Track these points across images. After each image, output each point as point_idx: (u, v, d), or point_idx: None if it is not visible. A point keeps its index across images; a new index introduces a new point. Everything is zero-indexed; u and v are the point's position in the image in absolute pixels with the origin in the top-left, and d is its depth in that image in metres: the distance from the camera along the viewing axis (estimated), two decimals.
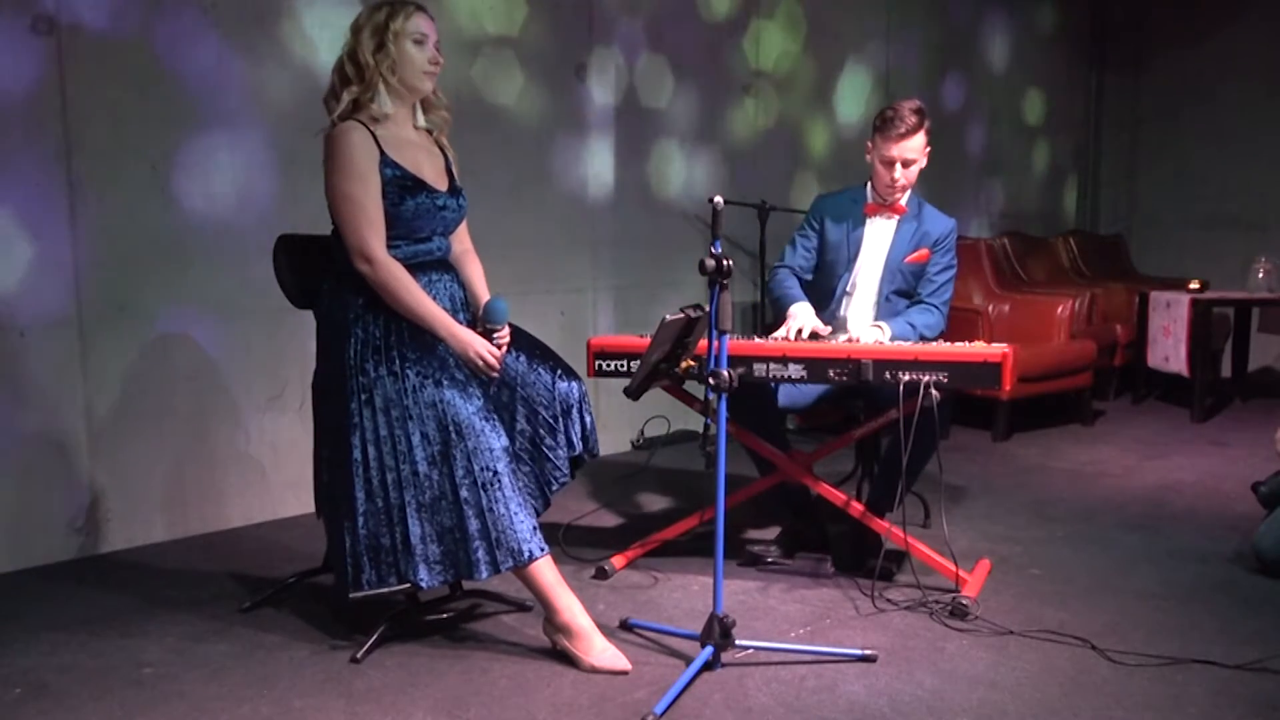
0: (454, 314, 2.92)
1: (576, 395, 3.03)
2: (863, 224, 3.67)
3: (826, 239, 3.71)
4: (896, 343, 3.36)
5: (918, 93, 6.74)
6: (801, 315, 3.53)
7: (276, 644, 2.97)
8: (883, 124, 3.54)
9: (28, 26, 3.50)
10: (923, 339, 3.49)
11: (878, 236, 3.66)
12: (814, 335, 3.46)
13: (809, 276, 3.76)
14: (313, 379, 3.06)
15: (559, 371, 3.03)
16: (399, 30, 2.82)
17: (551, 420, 3.00)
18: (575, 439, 3.03)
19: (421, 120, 2.99)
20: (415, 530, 2.78)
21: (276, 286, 3.17)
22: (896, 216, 3.64)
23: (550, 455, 3.02)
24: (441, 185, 2.96)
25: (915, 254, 3.63)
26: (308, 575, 3.32)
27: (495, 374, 2.89)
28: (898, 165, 3.54)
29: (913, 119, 3.50)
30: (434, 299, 2.88)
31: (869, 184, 3.68)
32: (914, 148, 3.52)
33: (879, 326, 3.48)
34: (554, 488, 3.06)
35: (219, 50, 3.91)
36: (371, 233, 2.80)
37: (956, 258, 3.70)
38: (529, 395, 3.00)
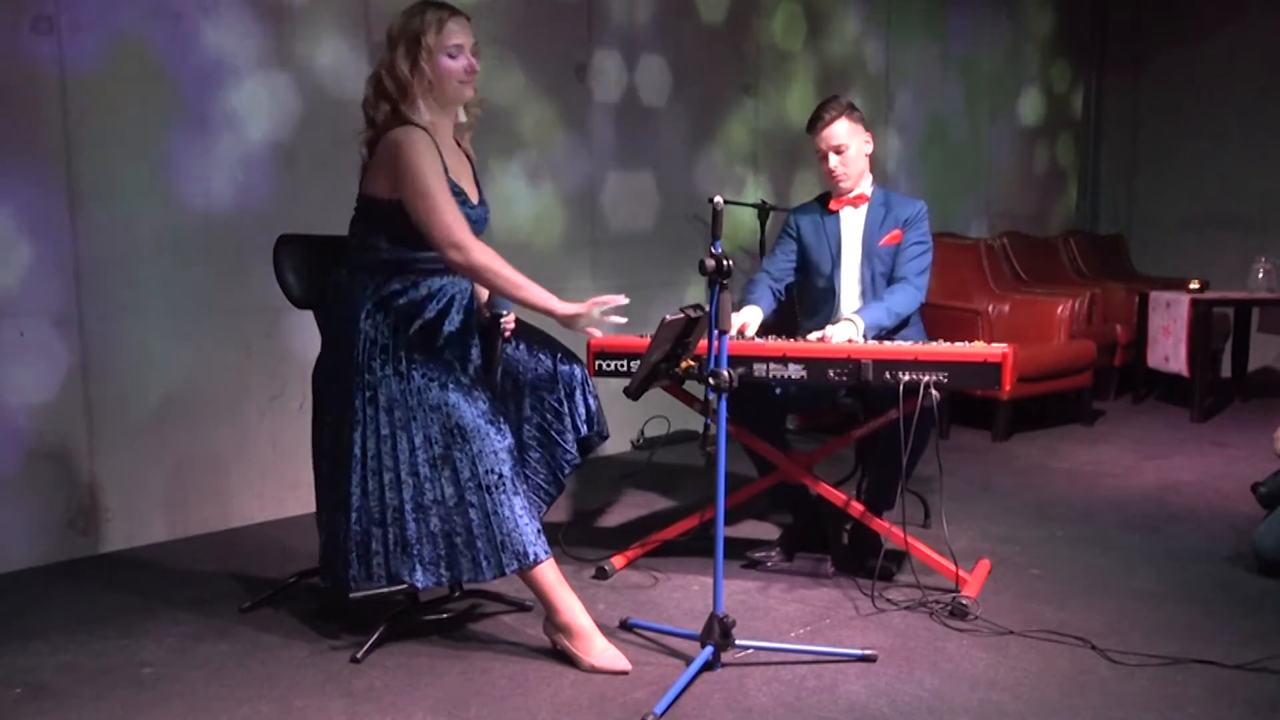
0: (467, 312, 2.94)
1: (579, 378, 3.05)
2: (836, 220, 3.74)
3: (804, 241, 3.77)
4: (896, 343, 3.36)
5: (918, 93, 6.76)
6: (743, 315, 3.58)
7: (276, 644, 2.97)
8: (808, 126, 3.68)
9: (28, 26, 3.51)
10: (899, 318, 3.54)
11: (851, 226, 3.73)
12: (740, 334, 3.49)
13: (789, 279, 3.81)
14: (315, 368, 3.04)
15: (559, 355, 3.05)
16: (432, 46, 2.80)
17: (557, 404, 3.02)
18: (580, 421, 3.05)
19: (463, 115, 2.98)
20: (412, 531, 2.79)
21: (276, 286, 3.17)
22: (864, 205, 3.72)
23: (560, 439, 3.04)
24: (474, 195, 2.97)
25: (888, 236, 3.69)
26: (308, 575, 3.31)
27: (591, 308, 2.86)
28: (830, 155, 3.64)
29: (831, 111, 3.63)
30: (453, 298, 2.90)
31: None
32: (838, 133, 3.62)
33: (851, 321, 3.48)
34: (566, 471, 3.08)
35: (219, 50, 3.91)
36: (457, 222, 2.78)
37: (930, 237, 3.75)
38: (534, 382, 3.02)
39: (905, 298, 3.60)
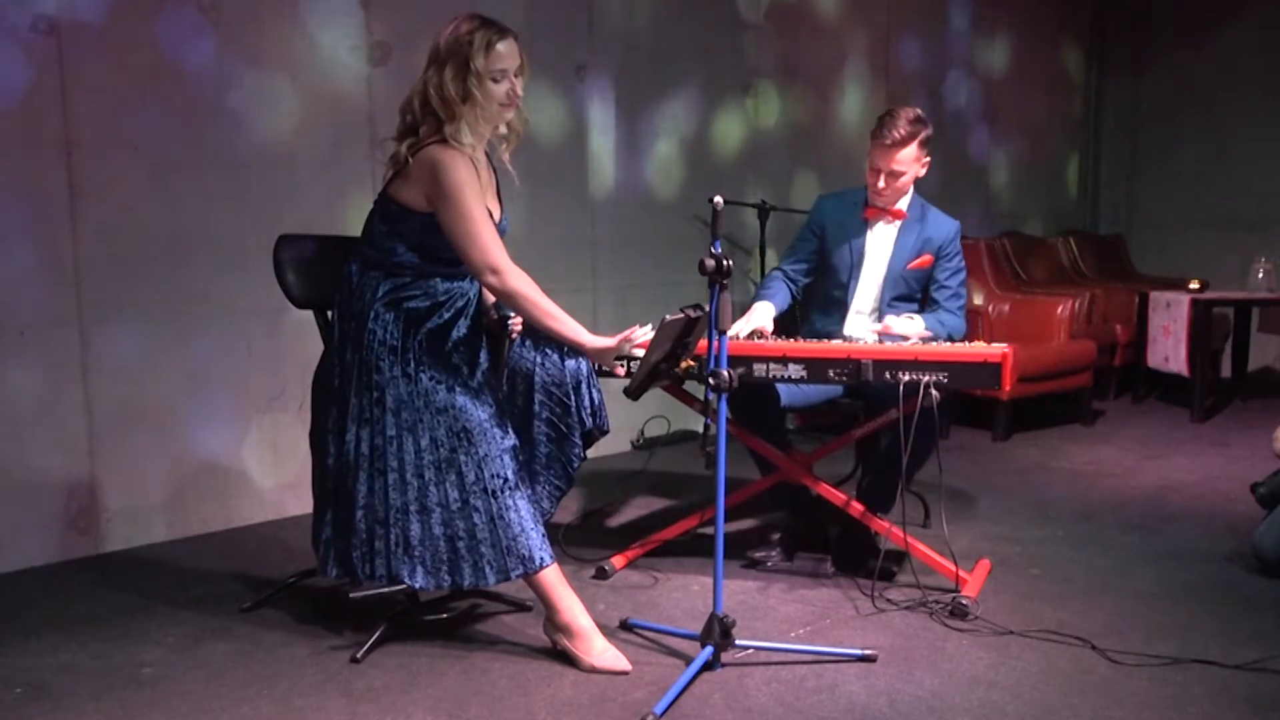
0: (476, 318, 2.96)
1: (585, 371, 3.06)
2: (864, 231, 3.63)
3: (828, 244, 3.69)
4: (896, 343, 3.36)
5: (918, 92, 6.76)
6: (755, 314, 3.53)
7: (276, 644, 2.97)
8: (876, 129, 3.49)
9: (28, 26, 3.51)
10: (949, 339, 3.47)
11: (880, 243, 3.63)
12: (757, 334, 3.44)
13: (805, 280, 3.76)
14: (318, 368, 3.04)
15: (565, 349, 3.06)
16: (481, 71, 2.77)
17: (565, 399, 3.04)
18: (586, 415, 3.06)
19: (504, 128, 2.96)
20: (415, 532, 2.80)
21: (276, 286, 3.17)
22: (898, 221, 3.61)
23: (569, 434, 3.05)
24: (498, 212, 2.97)
25: (918, 260, 3.60)
26: (308, 575, 3.31)
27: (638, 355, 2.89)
28: (882, 175, 3.49)
29: (904, 130, 3.44)
30: (462, 304, 2.90)
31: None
32: (902, 159, 3.46)
33: (911, 317, 3.46)
34: (575, 465, 3.09)
35: (219, 50, 3.91)
36: (495, 246, 2.80)
37: (963, 260, 3.68)
38: (544, 379, 3.03)
39: (955, 323, 3.54)
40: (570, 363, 3.04)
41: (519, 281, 2.80)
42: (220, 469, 4.06)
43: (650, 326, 2.81)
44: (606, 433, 3.13)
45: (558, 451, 3.06)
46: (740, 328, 3.48)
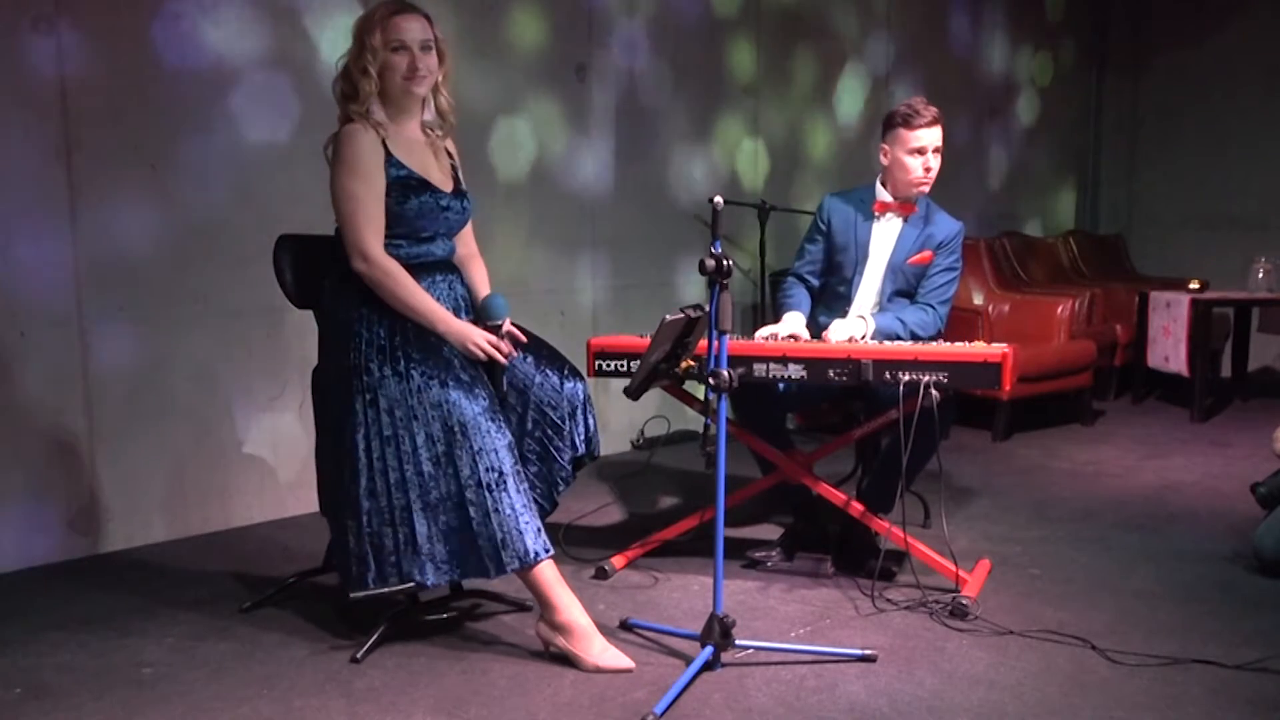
0: (457, 315, 2.93)
1: (581, 396, 3.05)
2: (870, 228, 3.65)
3: (834, 240, 3.70)
4: (896, 343, 3.36)
5: (918, 93, 6.75)
6: (787, 322, 3.56)
7: (276, 644, 2.97)
8: (905, 118, 3.54)
9: (28, 26, 3.51)
10: (914, 336, 3.49)
11: (884, 238, 3.64)
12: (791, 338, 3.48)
13: (818, 281, 3.77)
14: (313, 375, 3.06)
15: (565, 371, 3.05)
16: (376, 45, 2.81)
17: (559, 421, 3.02)
18: (579, 440, 3.05)
19: (430, 113, 2.97)
20: (421, 530, 2.79)
21: (276, 286, 3.17)
22: (904, 216, 3.63)
23: (558, 456, 3.03)
24: (446, 187, 2.97)
25: (919, 255, 3.61)
26: (308, 575, 3.32)
27: (502, 359, 2.88)
28: (929, 153, 3.53)
29: (932, 109, 3.54)
30: (436, 299, 2.89)
31: (877, 183, 3.67)
32: (939, 136, 3.54)
33: (862, 318, 3.49)
34: (560, 489, 3.08)
35: (219, 50, 3.91)
36: (369, 231, 2.81)
37: (961, 260, 3.68)
38: (539, 397, 3.01)
39: (923, 318, 3.54)
40: (568, 386, 3.03)
41: (381, 273, 2.80)
42: (220, 469, 4.06)
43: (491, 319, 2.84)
44: (597, 458, 3.13)
45: (545, 471, 3.04)
46: (772, 330, 3.51)
